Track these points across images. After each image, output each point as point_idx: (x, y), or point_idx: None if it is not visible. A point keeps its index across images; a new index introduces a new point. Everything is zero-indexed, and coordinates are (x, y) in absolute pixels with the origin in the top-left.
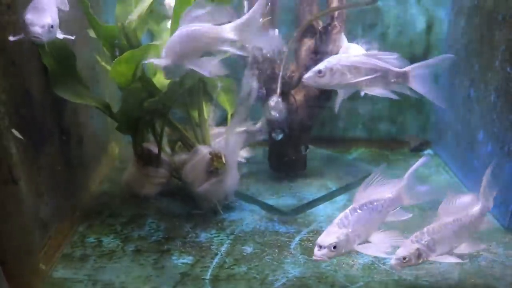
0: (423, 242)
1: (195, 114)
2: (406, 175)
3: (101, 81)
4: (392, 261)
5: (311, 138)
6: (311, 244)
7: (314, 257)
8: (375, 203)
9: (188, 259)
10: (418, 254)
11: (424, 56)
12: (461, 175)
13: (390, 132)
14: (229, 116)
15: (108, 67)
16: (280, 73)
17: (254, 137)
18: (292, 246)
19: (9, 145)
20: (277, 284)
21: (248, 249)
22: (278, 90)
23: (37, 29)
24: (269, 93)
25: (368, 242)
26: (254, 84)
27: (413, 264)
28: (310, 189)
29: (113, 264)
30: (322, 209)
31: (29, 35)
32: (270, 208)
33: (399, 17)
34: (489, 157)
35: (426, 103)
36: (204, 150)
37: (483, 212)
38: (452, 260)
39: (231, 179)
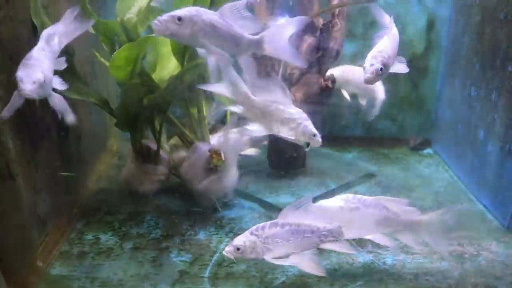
0: (261, 237)
1: (195, 110)
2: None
3: (99, 77)
4: (226, 248)
5: None
6: None
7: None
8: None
9: (186, 257)
10: (253, 249)
11: (425, 55)
12: (461, 175)
13: (390, 131)
14: (228, 113)
15: (107, 63)
16: (280, 71)
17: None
18: None
19: (7, 140)
20: (276, 282)
21: None
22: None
23: (27, 86)
24: None
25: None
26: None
27: (246, 258)
28: (310, 187)
29: (111, 262)
30: None
31: (20, 92)
32: (269, 206)
33: (400, 15)
34: (490, 156)
35: (427, 101)
36: (203, 147)
37: (329, 233)
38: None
39: (230, 177)
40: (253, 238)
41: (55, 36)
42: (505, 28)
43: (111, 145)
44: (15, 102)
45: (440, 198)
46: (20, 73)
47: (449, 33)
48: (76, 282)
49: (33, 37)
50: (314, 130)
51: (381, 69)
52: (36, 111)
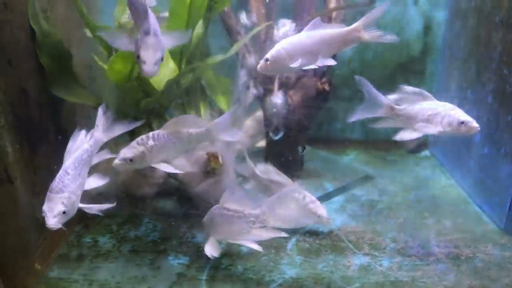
0: None
1: (192, 113)
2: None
3: (97, 80)
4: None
5: (308, 139)
6: (307, 245)
7: None
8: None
9: (184, 260)
10: None
11: (422, 57)
12: (458, 177)
13: (387, 133)
14: None
15: (105, 66)
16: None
17: None
18: (288, 247)
19: (5, 144)
20: (273, 285)
21: (245, 249)
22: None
23: (50, 221)
24: (266, 92)
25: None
26: (249, 83)
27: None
28: (307, 189)
29: (109, 264)
30: None
31: (46, 225)
32: None
33: (396, 19)
34: (486, 158)
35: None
36: (200, 151)
37: None
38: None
39: (228, 180)
40: None
41: (87, 144)
42: (500, 32)
43: (109, 148)
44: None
45: (437, 200)
46: (44, 207)
47: (445, 36)
48: (74, 285)
49: (31, 42)
50: (463, 117)
51: (266, 59)
52: (34, 115)
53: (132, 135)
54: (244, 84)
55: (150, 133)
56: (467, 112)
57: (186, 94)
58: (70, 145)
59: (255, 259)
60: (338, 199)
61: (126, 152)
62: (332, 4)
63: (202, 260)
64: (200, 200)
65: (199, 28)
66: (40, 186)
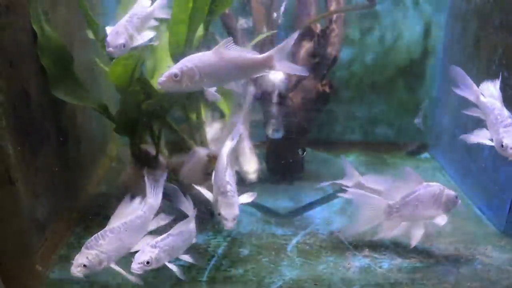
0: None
1: (193, 116)
2: None
3: (99, 82)
4: (134, 266)
5: (308, 141)
6: (308, 247)
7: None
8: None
9: (184, 261)
10: (158, 259)
11: (422, 60)
12: (458, 179)
13: (388, 135)
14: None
15: (107, 69)
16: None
17: None
18: (289, 249)
19: (7, 145)
20: (273, 286)
21: (245, 251)
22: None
23: (73, 269)
24: (266, 94)
25: None
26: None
27: (154, 267)
28: (307, 191)
29: (109, 266)
30: (319, 212)
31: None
32: (267, 211)
33: (396, 21)
34: (486, 160)
35: (424, 106)
36: (201, 152)
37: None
38: None
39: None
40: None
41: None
42: (500, 34)
43: (110, 150)
44: None
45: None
46: (75, 257)
47: (445, 39)
48: (75, 286)
49: (33, 44)
50: (506, 140)
51: (175, 75)
52: (35, 116)
53: (132, 136)
54: (244, 85)
55: None
56: (468, 114)
57: (188, 96)
58: (120, 210)
59: (255, 261)
60: (338, 201)
61: None
62: (333, 7)
63: (202, 262)
64: (200, 202)
65: (200, 30)
66: (41, 188)
